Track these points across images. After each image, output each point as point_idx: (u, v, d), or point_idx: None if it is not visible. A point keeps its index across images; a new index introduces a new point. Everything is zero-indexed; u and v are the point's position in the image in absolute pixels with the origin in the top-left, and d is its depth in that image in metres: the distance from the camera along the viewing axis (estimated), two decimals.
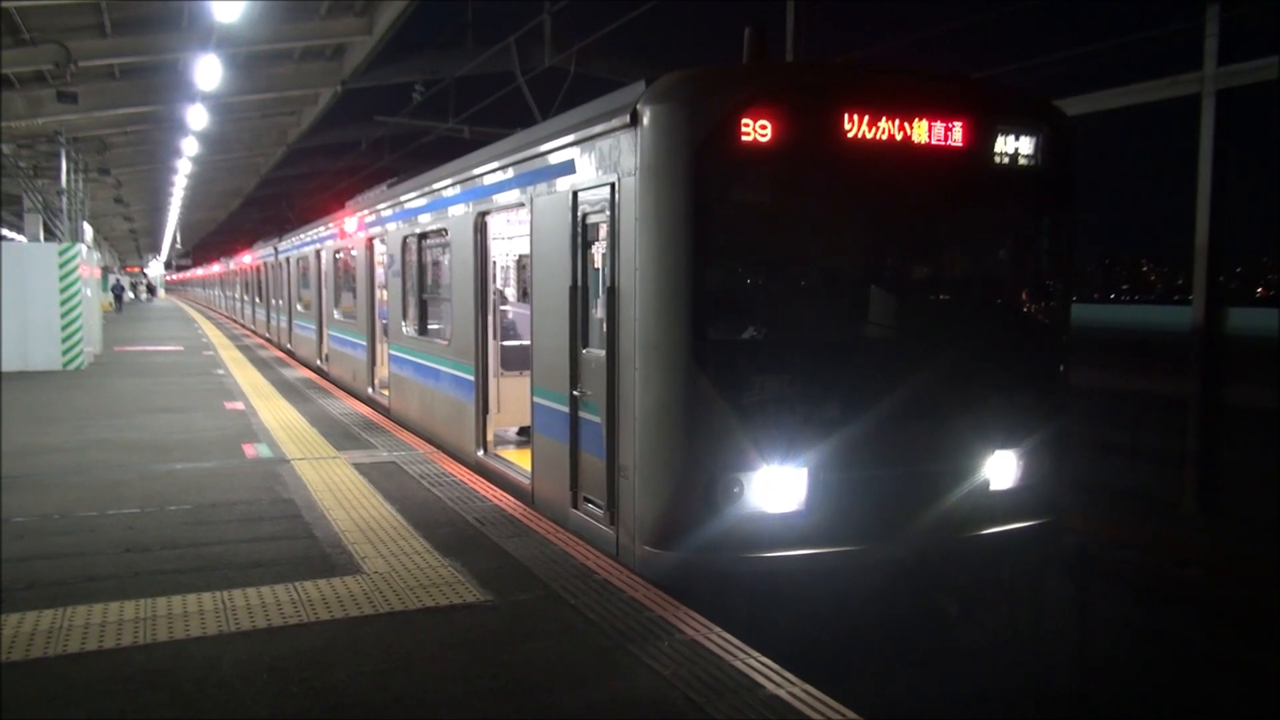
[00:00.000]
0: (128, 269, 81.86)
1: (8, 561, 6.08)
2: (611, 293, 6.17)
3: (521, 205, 7.88)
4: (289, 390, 15.65)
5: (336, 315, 17.26)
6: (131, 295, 68.29)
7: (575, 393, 6.82)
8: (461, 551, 6.39)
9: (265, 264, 28.85)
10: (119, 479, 8.57)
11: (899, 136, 5.97)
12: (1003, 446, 6.41)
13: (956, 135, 6.13)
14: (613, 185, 6.18)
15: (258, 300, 32.32)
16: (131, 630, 4.92)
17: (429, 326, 11.51)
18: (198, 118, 21.36)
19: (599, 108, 6.65)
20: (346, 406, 13.66)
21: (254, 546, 6.51)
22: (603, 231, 6.43)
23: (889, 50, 14.35)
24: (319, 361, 19.14)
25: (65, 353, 18.40)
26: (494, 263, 9.07)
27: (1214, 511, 10.62)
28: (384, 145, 29.57)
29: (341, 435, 11.09)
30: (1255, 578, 8.74)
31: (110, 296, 48.83)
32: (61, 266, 18.35)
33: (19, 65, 17.47)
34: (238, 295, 41.82)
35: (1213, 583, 8.94)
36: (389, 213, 12.96)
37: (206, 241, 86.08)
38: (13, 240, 33.22)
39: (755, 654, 4.66)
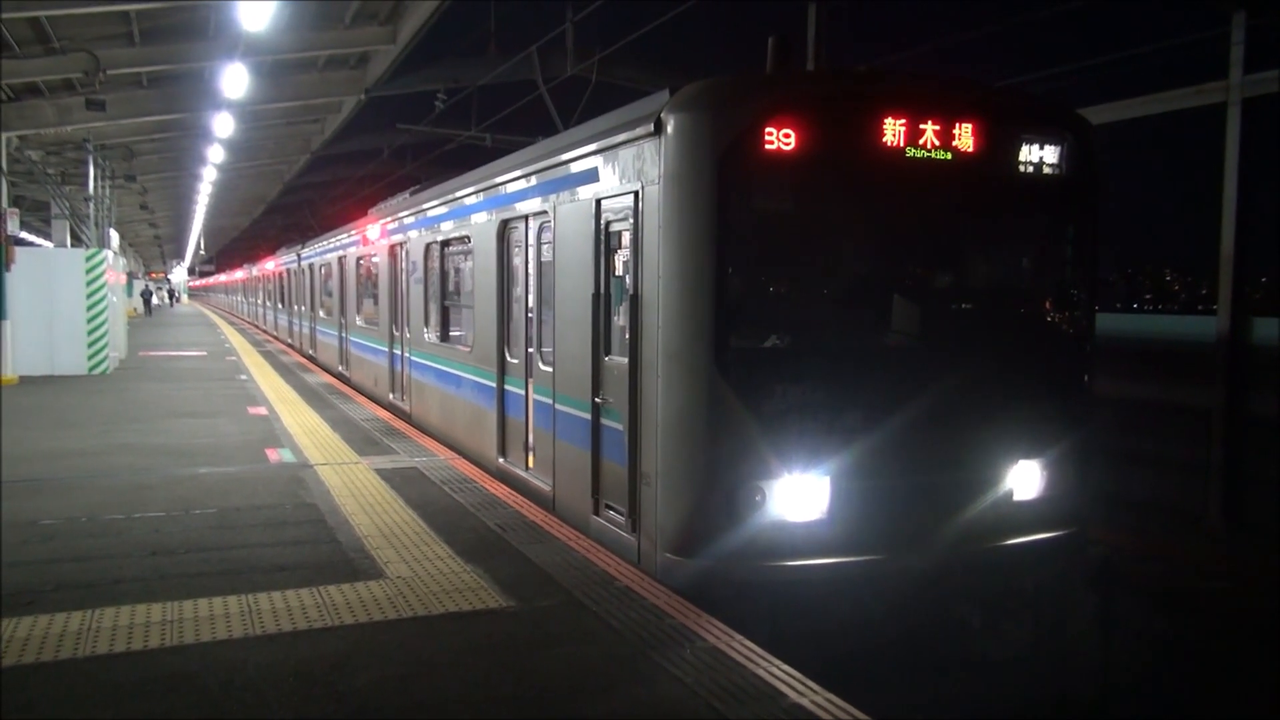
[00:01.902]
0: (151, 275, 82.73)
1: (36, 563, 6.16)
2: (634, 300, 6.19)
3: (544, 213, 7.92)
4: (311, 395, 15.75)
5: (359, 321, 17.37)
6: (156, 301, 69.08)
7: (597, 400, 6.85)
8: (483, 557, 6.41)
9: (288, 270, 29.08)
10: (144, 483, 8.66)
11: (922, 145, 5.96)
12: (1026, 456, 6.38)
13: (980, 144, 6.12)
14: (636, 193, 6.21)
15: (280, 306, 32.57)
16: (159, 632, 4.97)
17: (450, 333, 11.57)
18: (223, 125, 21.57)
19: (622, 116, 6.68)
20: (368, 412, 13.74)
21: (278, 550, 6.56)
22: (625, 239, 6.45)
23: (911, 58, 14.34)
24: (340, 367, 19.27)
25: (91, 357, 18.61)
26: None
27: (1238, 523, 10.51)
28: (406, 153, 29.73)
29: (363, 440, 11.16)
30: None
31: (140, 301, 50.21)
32: (88, 272, 18.57)
33: (49, 73, 17.71)
34: (260, 301, 42.15)
35: (1237, 595, 8.85)
36: (411, 220, 13.05)
37: (230, 248, 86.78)
38: (40, 246, 33.60)
39: (778, 662, 4.66)
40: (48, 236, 31.78)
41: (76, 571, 6.02)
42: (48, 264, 18.69)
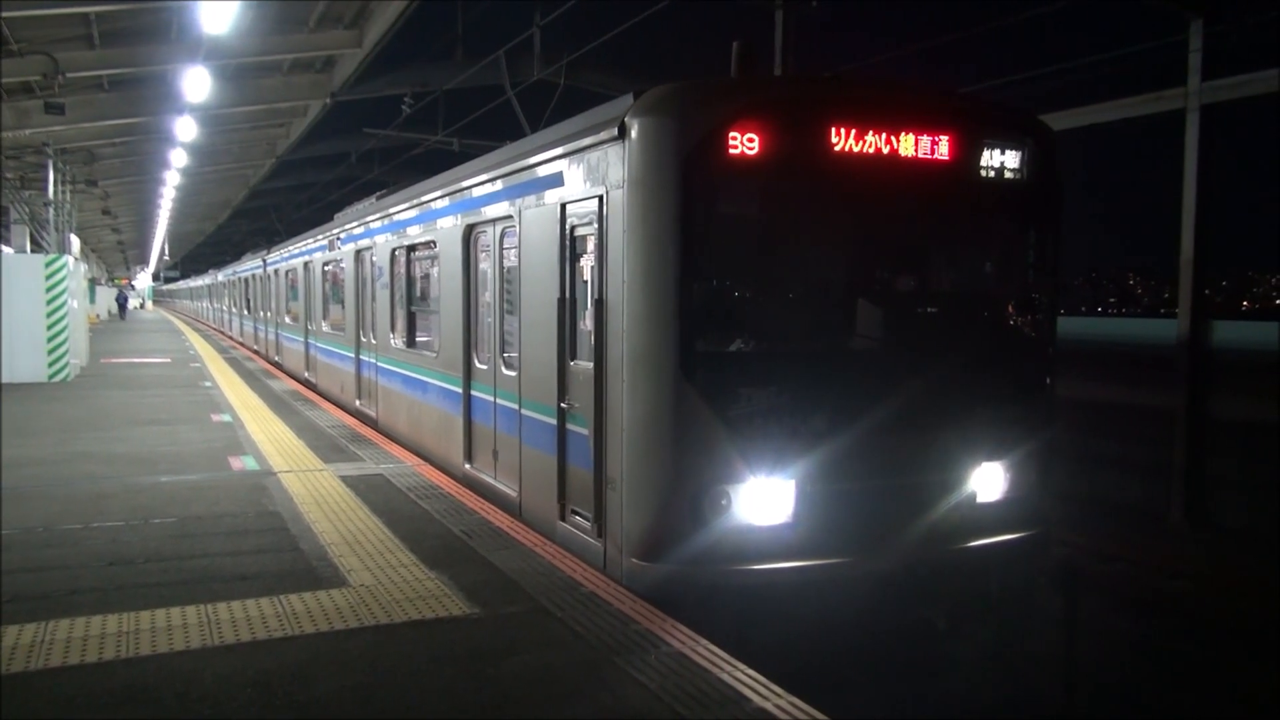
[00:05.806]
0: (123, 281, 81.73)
1: None
2: (599, 305, 6.17)
3: (510, 217, 7.89)
4: (276, 402, 15.57)
5: (325, 327, 17.22)
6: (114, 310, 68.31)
7: (563, 405, 6.81)
8: (448, 564, 6.35)
9: (254, 276, 28.79)
10: (103, 492, 8.51)
11: (885, 150, 5.99)
12: (990, 458, 6.42)
13: (943, 149, 6.16)
14: (601, 198, 6.19)
15: (245, 312, 32.25)
16: (114, 644, 4.87)
17: (417, 339, 11.49)
18: (186, 129, 21.32)
19: (587, 121, 6.66)
20: (334, 418, 13.60)
21: (239, 559, 6.46)
22: (591, 244, 6.43)
23: (877, 64, 14.46)
24: (306, 373, 19.09)
25: (51, 364, 18.28)
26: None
27: (1201, 524, 10.66)
28: (373, 157, 29.56)
29: (329, 447, 11.04)
30: (1243, 590, 8.77)
31: (103, 306, 50.30)
32: (48, 278, 18.25)
33: (7, 76, 17.42)
34: (225, 307, 41.74)
35: (1201, 595, 8.97)
36: (377, 225, 12.95)
37: (195, 253, 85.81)
38: None
39: (742, 667, 4.65)
40: (7, 242, 31.26)
41: (31, 583, 5.89)
42: (6, 270, 18.34)
